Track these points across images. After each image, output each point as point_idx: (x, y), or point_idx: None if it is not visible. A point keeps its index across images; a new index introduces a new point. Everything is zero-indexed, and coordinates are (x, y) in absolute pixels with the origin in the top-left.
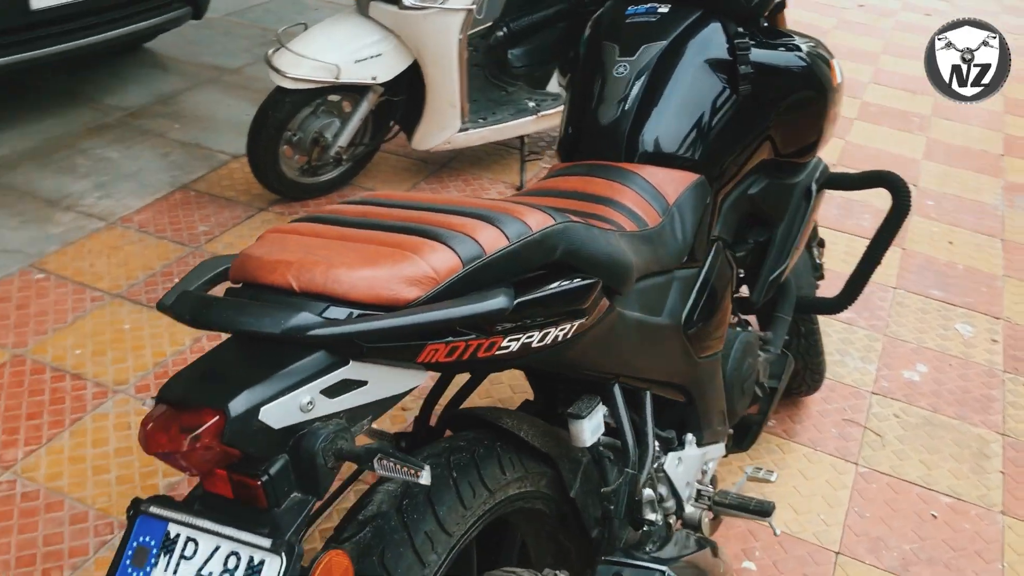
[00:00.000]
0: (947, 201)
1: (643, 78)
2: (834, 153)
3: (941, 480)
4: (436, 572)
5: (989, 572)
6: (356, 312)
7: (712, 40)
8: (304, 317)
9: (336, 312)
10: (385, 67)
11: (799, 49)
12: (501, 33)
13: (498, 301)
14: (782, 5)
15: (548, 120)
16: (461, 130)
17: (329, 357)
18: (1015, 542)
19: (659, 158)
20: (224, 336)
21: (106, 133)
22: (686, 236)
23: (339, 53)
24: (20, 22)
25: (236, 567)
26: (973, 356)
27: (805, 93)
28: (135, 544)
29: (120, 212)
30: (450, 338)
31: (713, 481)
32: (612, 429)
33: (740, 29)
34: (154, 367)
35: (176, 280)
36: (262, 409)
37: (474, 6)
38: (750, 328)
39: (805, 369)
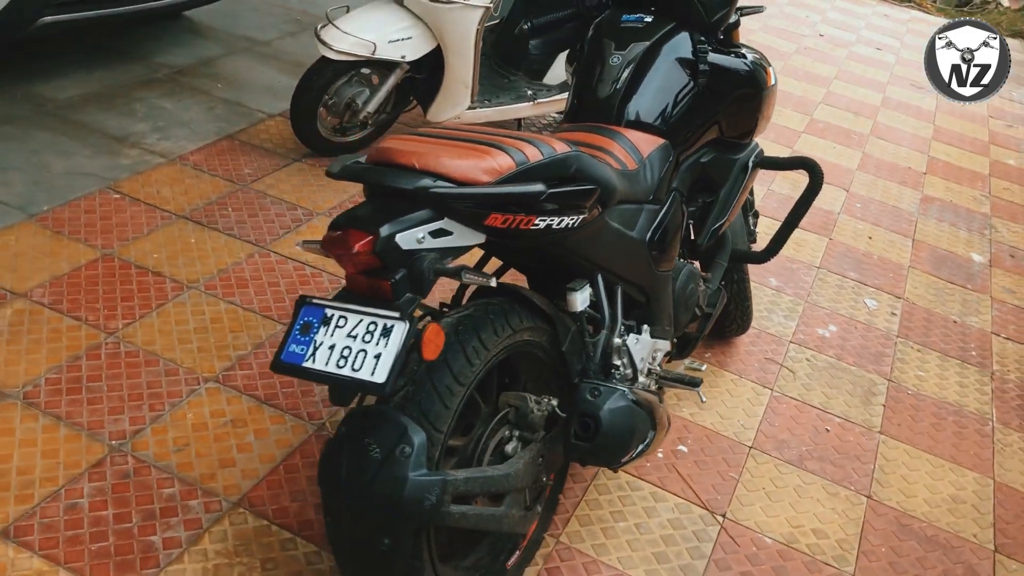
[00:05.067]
0: (872, 205)
1: (630, 67)
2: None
3: (836, 407)
4: (481, 367)
5: (864, 471)
6: (452, 186)
7: (682, 44)
8: (426, 181)
9: (442, 184)
10: (413, 48)
11: (745, 57)
12: (527, 27)
13: (538, 187)
14: (735, 25)
15: (543, 107)
16: (469, 108)
17: (431, 213)
18: (887, 452)
19: (638, 124)
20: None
21: (157, 87)
22: (653, 181)
23: (376, 33)
24: None
25: (375, 329)
26: (875, 323)
27: (746, 90)
28: (301, 322)
29: (178, 152)
30: (506, 211)
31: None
32: (592, 311)
33: (702, 38)
34: (217, 272)
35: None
36: (397, 235)
37: (491, 3)
38: (695, 264)
39: (736, 310)
